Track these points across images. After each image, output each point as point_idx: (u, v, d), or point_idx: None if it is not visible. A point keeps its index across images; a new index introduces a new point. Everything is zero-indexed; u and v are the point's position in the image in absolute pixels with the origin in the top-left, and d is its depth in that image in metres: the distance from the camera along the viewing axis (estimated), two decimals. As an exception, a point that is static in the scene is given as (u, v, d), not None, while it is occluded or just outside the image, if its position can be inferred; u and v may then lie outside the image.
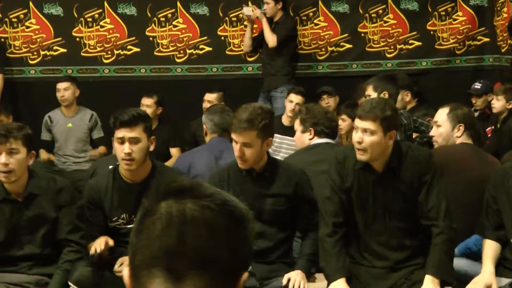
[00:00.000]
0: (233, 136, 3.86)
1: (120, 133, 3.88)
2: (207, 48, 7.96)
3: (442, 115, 4.58)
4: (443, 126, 4.58)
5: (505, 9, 7.70)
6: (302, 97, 6.68)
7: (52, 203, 4.00)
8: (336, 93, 7.48)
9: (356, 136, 3.71)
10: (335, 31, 8.09)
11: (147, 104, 6.97)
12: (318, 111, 4.91)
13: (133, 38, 7.84)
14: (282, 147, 5.88)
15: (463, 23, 8.12)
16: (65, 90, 7.01)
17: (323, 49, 8.11)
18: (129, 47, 7.85)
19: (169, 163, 5.87)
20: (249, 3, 7.85)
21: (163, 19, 7.88)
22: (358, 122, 3.72)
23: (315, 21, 8.09)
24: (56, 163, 6.93)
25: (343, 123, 6.31)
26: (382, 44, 8.13)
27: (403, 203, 3.77)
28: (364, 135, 3.68)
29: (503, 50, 7.83)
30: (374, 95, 5.28)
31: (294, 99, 6.67)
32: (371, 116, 3.66)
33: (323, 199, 3.88)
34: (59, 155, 7.07)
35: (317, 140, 4.78)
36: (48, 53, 7.76)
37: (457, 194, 4.18)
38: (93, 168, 4.93)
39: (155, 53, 7.89)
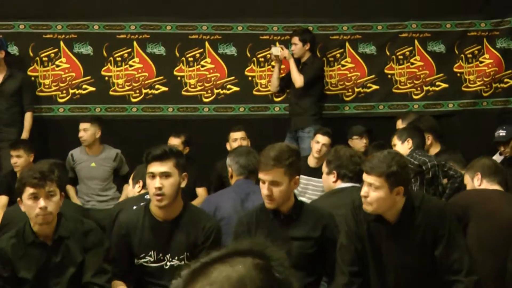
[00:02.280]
0: (261, 175, 3.86)
1: (151, 167, 3.91)
2: (235, 88, 8.01)
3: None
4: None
5: (532, 52, 7.72)
6: (329, 138, 6.69)
7: (79, 245, 3.95)
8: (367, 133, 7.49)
9: (362, 189, 3.72)
10: (362, 72, 8.12)
11: (175, 144, 7.01)
12: (343, 153, 4.81)
13: (161, 77, 7.92)
14: (308, 189, 5.86)
15: (490, 65, 8.13)
16: (84, 131, 7.06)
17: (350, 90, 8.14)
18: (157, 86, 7.92)
19: (195, 203, 5.88)
20: (277, 44, 7.91)
21: (191, 59, 7.96)
22: (364, 177, 3.73)
23: (342, 62, 8.13)
24: (81, 202, 6.94)
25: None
26: (409, 85, 8.14)
27: (415, 256, 3.74)
28: (369, 189, 3.68)
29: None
30: (398, 144, 5.30)
31: (321, 140, 6.69)
32: (377, 172, 3.66)
33: (339, 246, 3.85)
34: (82, 193, 7.10)
35: (342, 184, 4.71)
36: (77, 92, 7.85)
37: (485, 237, 4.16)
38: (118, 207, 4.95)
39: (183, 93, 7.95)
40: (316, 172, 5.92)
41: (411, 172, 4.79)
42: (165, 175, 3.89)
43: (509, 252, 4.03)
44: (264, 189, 3.84)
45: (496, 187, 4.54)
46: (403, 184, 3.69)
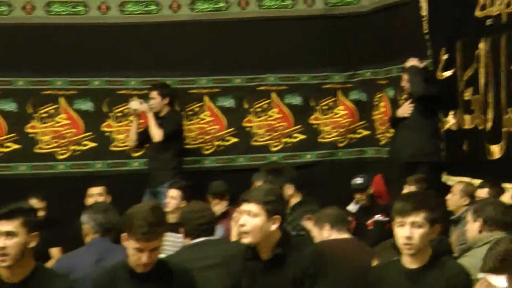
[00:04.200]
0: (138, 244, 3.68)
1: None
2: (91, 144, 7.88)
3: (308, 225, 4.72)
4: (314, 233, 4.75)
5: (382, 103, 8.01)
6: (178, 190, 6.62)
7: None
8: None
9: (241, 220, 3.80)
10: (221, 125, 8.18)
11: (94, 193, 6.75)
12: (189, 210, 4.84)
13: (13, 134, 7.70)
14: (167, 244, 5.78)
15: (345, 117, 8.38)
16: None
17: (209, 144, 8.16)
18: (6, 144, 7.69)
19: (49, 264, 5.65)
20: (135, 98, 7.85)
21: (45, 115, 7.79)
22: (243, 206, 3.82)
23: (201, 116, 8.16)
24: None
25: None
26: (267, 137, 8.26)
27: None
28: (247, 217, 3.76)
29: (382, 143, 8.09)
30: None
31: (169, 193, 6.64)
32: (255, 199, 3.77)
33: None
34: None
35: (196, 239, 4.69)
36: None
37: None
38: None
39: (35, 150, 7.74)
40: (174, 227, 5.84)
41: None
42: (9, 234, 3.72)
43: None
44: (145, 257, 3.69)
45: (345, 235, 4.62)
46: (279, 214, 3.79)
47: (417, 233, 3.45)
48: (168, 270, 3.90)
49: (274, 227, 3.78)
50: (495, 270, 3.03)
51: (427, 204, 3.53)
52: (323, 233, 4.65)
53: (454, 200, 5.96)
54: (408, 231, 3.45)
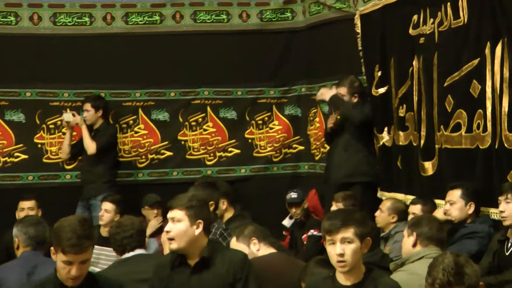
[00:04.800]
0: (68, 257, 3.62)
1: None
2: (23, 156, 7.75)
3: (239, 244, 4.66)
4: (245, 250, 4.64)
5: (317, 119, 8.07)
6: (111, 203, 6.55)
7: None
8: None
9: (166, 226, 3.91)
10: (155, 139, 8.12)
11: (25, 208, 6.66)
12: (117, 225, 4.84)
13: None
14: (100, 258, 5.71)
15: (279, 131, 8.42)
16: None
17: (143, 157, 8.10)
18: None
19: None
20: (68, 110, 7.73)
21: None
22: (168, 214, 3.94)
23: (136, 129, 8.10)
24: None
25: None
26: (202, 151, 8.24)
27: None
28: (172, 224, 3.90)
29: (316, 158, 8.16)
30: None
31: (103, 206, 6.56)
32: (178, 205, 3.91)
33: None
34: None
35: (129, 253, 4.68)
36: None
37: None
38: None
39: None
40: (109, 241, 5.75)
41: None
42: None
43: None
44: (74, 270, 3.67)
45: (272, 250, 4.61)
46: (202, 219, 3.91)
47: (349, 249, 3.48)
48: (98, 284, 3.84)
49: (198, 231, 3.88)
50: (449, 284, 3.07)
51: (354, 219, 3.56)
52: (253, 248, 4.61)
53: (382, 217, 6.03)
54: (340, 247, 3.47)
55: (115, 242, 4.72)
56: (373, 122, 6.87)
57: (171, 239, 3.87)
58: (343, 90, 6.88)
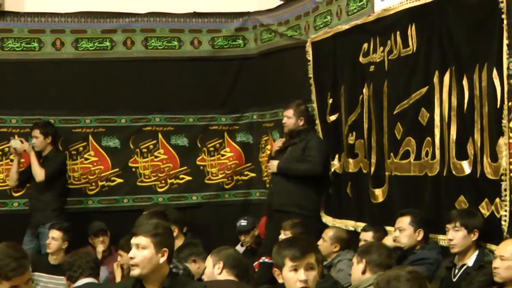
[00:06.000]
0: (13, 282, 3.51)
1: None
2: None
3: (209, 259, 4.73)
4: (208, 266, 4.72)
5: (268, 146, 8.09)
6: (60, 231, 6.46)
7: None
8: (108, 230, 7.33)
9: (130, 253, 3.86)
10: (106, 165, 8.04)
11: None
12: (75, 252, 4.95)
13: None
14: (49, 287, 5.63)
15: (231, 158, 8.41)
16: None
17: (93, 184, 8.01)
18: None
19: None
20: (16, 137, 7.62)
21: None
22: (132, 240, 3.89)
23: (85, 156, 8.01)
24: None
25: (121, 258, 6.07)
26: (153, 178, 8.18)
27: None
28: (136, 250, 3.83)
29: (268, 185, 8.13)
30: None
31: (50, 234, 6.48)
32: (143, 232, 3.85)
33: None
34: None
35: (80, 282, 4.69)
36: None
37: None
38: None
39: None
40: (58, 270, 5.67)
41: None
42: None
43: None
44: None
45: (232, 277, 4.61)
46: (167, 247, 3.87)
47: (311, 275, 3.48)
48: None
49: (162, 259, 3.85)
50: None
51: (314, 246, 3.60)
52: (216, 269, 4.62)
53: (325, 246, 6.06)
54: (304, 274, 3.46)
55: (70, 267, 4.70)
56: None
57: (135, 265, 3.82)
58: (289, 113, 6.94)
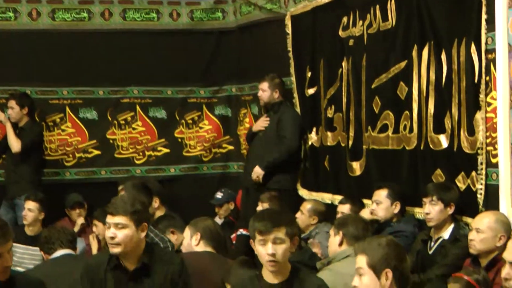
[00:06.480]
0: None
1: None
2: None
3: (186, 230, 4.75)
4: (186, 238, 4.74)
5: (247, 119, 8.10)
6: (35, 202, 6.45)
7: None
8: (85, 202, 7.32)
9: (109, 232, 3.82)
10: (83, 137, 8.01)
11: None
12: (51, 226, 5.00)
13: None
14: (25, 258, 5.61)
15: (209, 131, 8.41)
16: None
17: (70, 155, 7.98)
18: None
19: None
20: (-7, 106, 7.58)
21: None
22: (109, 219, 3.84)
23: (63, 127, 7.97)
24: None
25: (96, 228, 6.07)
26: (131, 150, 8.16)
27: None
28: (116, 230, 3.80)
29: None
30: None
31: (27, 205, 6.47)
32: (122, 211, 3.82)
33: None
34: None
35: (57, 253, 4.69)
36: None
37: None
38: None
39: None
40: (35, 241, 5.66)
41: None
42: None
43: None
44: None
45: (209, 249, 4.63)
46: (146, 221, 3.90)
47: (280, 249, 3.48)
48: (18, 281, 3.76)
49: (143, 234, 3.86)
50: None
51: (284, 219, 3.58)
52: (193, 240, 4.64)
53: (303, 219, 6.09)
54: (271, 248, 3.47)
55: (47, 240, 4.72)
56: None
57: (116, 244, 3.79)
58: (264, 86, 6.98)
